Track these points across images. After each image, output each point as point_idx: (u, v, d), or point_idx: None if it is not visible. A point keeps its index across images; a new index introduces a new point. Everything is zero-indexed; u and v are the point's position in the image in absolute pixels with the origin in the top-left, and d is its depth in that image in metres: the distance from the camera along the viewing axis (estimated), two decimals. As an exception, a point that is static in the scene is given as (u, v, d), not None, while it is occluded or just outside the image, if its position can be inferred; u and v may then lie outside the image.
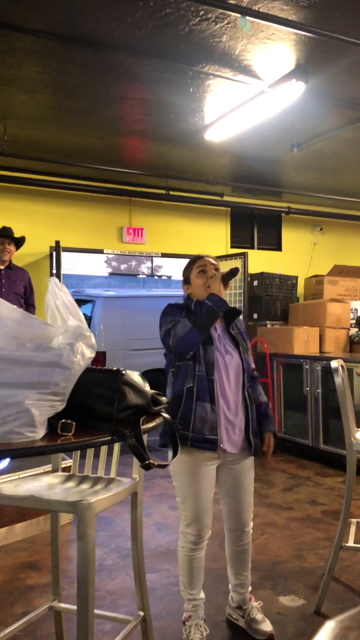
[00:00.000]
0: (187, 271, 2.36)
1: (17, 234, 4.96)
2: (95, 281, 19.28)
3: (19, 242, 4.97)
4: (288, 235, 7.58)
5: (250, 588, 2.46)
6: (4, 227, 4.88)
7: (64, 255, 6.04)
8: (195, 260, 2.34)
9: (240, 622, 2.41)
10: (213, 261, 2.32)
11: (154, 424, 1.46)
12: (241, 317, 2.40)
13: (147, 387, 1.56)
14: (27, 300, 5.04)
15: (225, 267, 2.31)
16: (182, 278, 2.42)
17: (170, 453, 2.15)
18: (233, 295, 6.57)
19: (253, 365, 2.40)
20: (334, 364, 2.51)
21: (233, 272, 2.24)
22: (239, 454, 2.25)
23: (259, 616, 2.36)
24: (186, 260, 2.44)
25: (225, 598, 2.64)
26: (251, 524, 2.39)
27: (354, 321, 6.27)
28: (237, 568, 2.41)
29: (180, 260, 7.23)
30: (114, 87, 3.90)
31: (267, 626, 2.32)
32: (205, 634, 2.25)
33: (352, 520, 2.75)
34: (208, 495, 2.22)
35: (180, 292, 10.51)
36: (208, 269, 2.28)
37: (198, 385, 2.16)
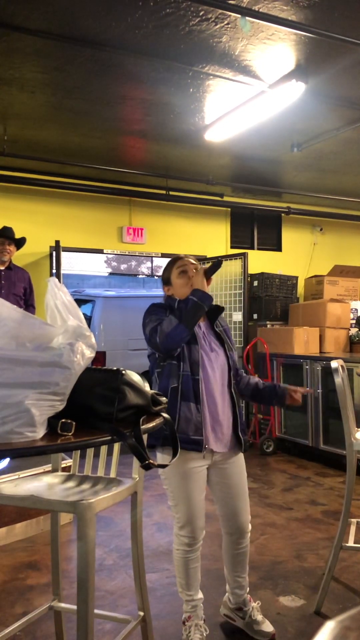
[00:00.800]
0: (167, 272, 2.33)
1: (17, 234, 4.96)
2: (95, 281, 19.27)
3: (20, 242, 4.97)
4: (288, 236, 7.58)
5: (248, 589, 2.44)
6: (4, 228, 4.88)
7: (64, 255, 6.04)
8: (175, 261, 2.32)
9: (239, 623, 2.40)
10: (193, 261, 2.31)
11: (154, 424, 1.46)
12: (223, 314, 2.39)
13: (147, 387, 1.56)
14: (27, 301, 5.03)
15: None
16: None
17: (158, 454, 2.19)
18: (233, 295, 6.57)
19: (237, 359, 2.39)
20: (334, 364, 2.51)
21: (216, 264, 2.23)
22: (227, 452, 2.24)
23: (259, 617, 2.36)
24: None
25: (225, 598, 2.64)
26: (249, 526, 2.34)
27: (354, 321, 6.27)
28: (236, 570, 2.37)
29: (180, 260, 7.22)
30: (114, 87, 3.90)
31: (268, 627, 2.33)
32: (205, 634, 2.25)
33: (352, 520, 2.75)
34: (199, 497, 2.20)
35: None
36: (189, 269, 2.27)
37: (183, 384, 2.14)
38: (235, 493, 2.27)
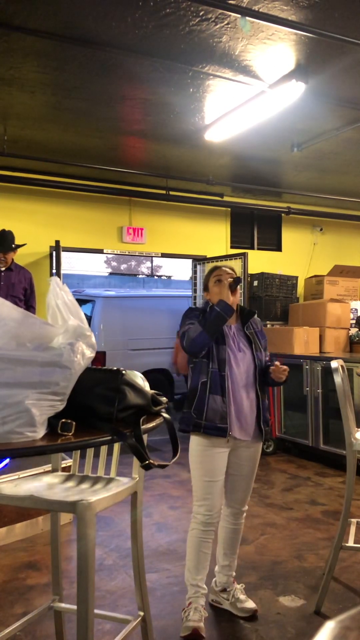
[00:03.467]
0: (206, 279, 2.61)
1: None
2: (95, 281, 19.26)
3: (17, 246, 4.96)
4: (288, 236, 7.59)
5: (234, 573, 2.61)
6: (3, 235, 4.85)
7: (64, 255, 6.04)
8: (213, 270, 2.59)
9: (225, 605, 2.55)
10: (229, 271, 2.56)
11: (154, 424, 1.46)
12: (256, 317, 2.63)
13: (147, 387, 1.56)
14: (26, 302, 5.02)
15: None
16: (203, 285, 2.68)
17: (192, 438, 2.45)
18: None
19: (267, 360, 2.58)
20: (334, 364, 2.52)
21: (236, 281, 2.49)
22: (250, 440, 2.46)
23: (242, 596, 2.54)
24: (186, 260, 2.58)
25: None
26: (246, 506, 2.58)
27: (354, 321, 6.27)
28: (228, 548, 2.58)
29: (180, 260, 7.24)
30: (114, 87, 3.90)
31: (250, 604, 2.50)
32: (203, 617, 2.32)
33: (352, 520, 2.75)
34: (218, 476, 2.41)
35: (180, 292, 10.50)
36: (223, 279, 2.50)
37: (211, 380, 2.40)
38: (244, 472, 2.50)
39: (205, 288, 2.63)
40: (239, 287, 2.53)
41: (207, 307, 2.51)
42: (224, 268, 2.58)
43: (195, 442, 2.45)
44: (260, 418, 2.47)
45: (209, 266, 6.73)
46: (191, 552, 2.43)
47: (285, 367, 2.48)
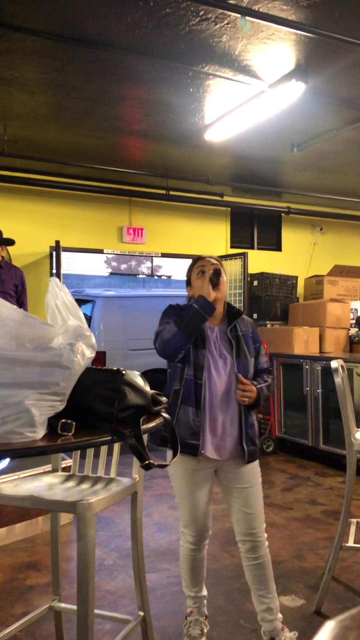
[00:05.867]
0: (188, 272, 2.31)
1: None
2: (95, 281, 19.26)
3: (7, 242, 4.96)
4: (288, 235, 7.59)
5: (281, 616, 2.22)
6: None
7: (64, 255, 6.04)
8: (196, 261, 2.28)
9: None
10: (214, 261, 2.24)
11: (154, 424, 1.46)
12: (246, 318, 2.28)
13: (147, 387, 1.56)
14: (18, 299, 5.03)
15: (227, 267, 2.25)
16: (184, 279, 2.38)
17: (169, 452, 2.14)
18: (233, 295, 6.57)
19: (264, 366, 2.26)
20: (334, 364, 2.51)
21: (215, 273, 2.16)
22: (233, 461, 2.15)
23: None
24: (186, 260, 2.45)
25: (226, 599, 2.64)
26: (264, 534, 2.19)
27: (354, 321, 6.27)
28: (258, 589, 2.18)
29: (180, 260, 7.23)
30: (114, 87, 3.90)
31: None
32: (205, 630, 2.26)
33: (352, 520, 2.75)
34: (202, 498, 2.18)
35: (180, 291, 10.50)
36: (207, 270, 2.19)
37: (184, 388, 2.10)
38: (244, 499, 2.16)
39: (188, 282, 2.30)
40: (222, 280, 2.17)
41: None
42: (208, 258, 2.24)
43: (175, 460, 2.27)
44: (242, 436, 2.13)
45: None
46: (184, 567, 2.28)
47: (248, 386, 2.10)
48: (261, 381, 2.20)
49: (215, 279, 2.13)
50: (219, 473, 2.21)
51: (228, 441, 2.13)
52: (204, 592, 2.33)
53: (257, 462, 2.22)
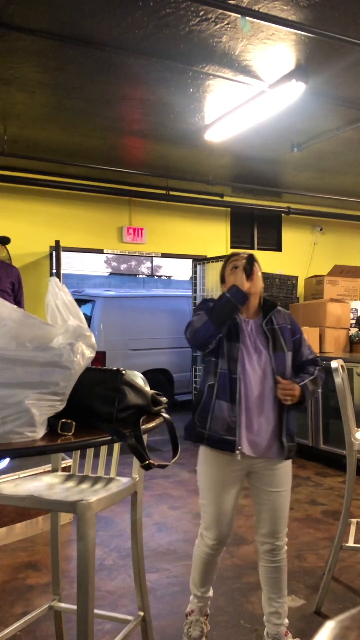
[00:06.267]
0: (222, 270, 2.25)
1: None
2: (95, 281, 19.26)
3: (2, 240, 4.97)
4: (288, 236, 7.59)
5: (287, 621, 2.19)
6: None
7: (64, 255, 6.04)
8: (229, 258, 2.23)
9: None
10: (247, 256, 2.17)
11: (154, 424, 1.46)
12: (282, 310, 2.23)
13: (147, 387, 1.56)
14: (15, 297, 5.05)
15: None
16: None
17: (201, 449, 2.14)
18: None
19: (308, 357, 2.20)
20: (334, 364, 2.51)
21: (249, 260, 2.10)
22: (268, 459, 2.08)
23: None
24: (186, 260, 2.44)
25: (226, 599, 2.64)
26: (285, 539, 2.16)
27: (354, 321, 6.27)
28: (272, 592, 2.16)
29: (180, 260, 7.24)
30: (114, 87, 3.90)
31: None
32: (205, 631, 2.26)
33: (352, 520, 2.75)
34: (230, 501, 2.10)
35: (180, 292, 10.47)
36: (240, 264, 2.13)
37: (219, 382, 2.06)
38: (267, 500, 2.11)
39: (222, 279, 2.25)
40: (256, 270, 2.11)
41: None
42: (242, 254, 2.18)
43: (202, 455, 2.14)
44: (281, 432, 2.07)
45: (210, 266, 6.74)
46: (197, 567, 2.23)
47: (289, 385, 2.04)
48: (304, 376, 2.12)
49: (249, 267, 2.08)
50: (251, 475, 2.13)
51: (263, 438, 2.06)
52: (210, 593, 2.30)
53: (291, 463, 2.17)
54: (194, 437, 2.12)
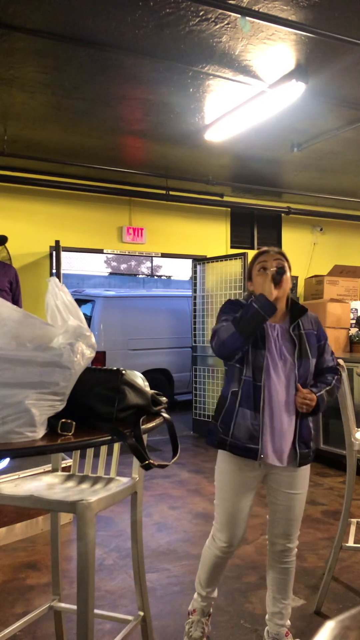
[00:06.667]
0: (250, 266, 2.18)
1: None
2: (95, 281, 19.26)
3: (0, 239, 4.97)
4: (288, 236, 7.59)
5: (289, 623, 2.21)
6: None
7: (64, 255, 6.04)
8: (257, 256, 2.14)
9: None
10: (277, 256, 2.11)
11: (154, 424, 1.46)
12: (310, 314, 2.16)
13: (147, 387, 1.56)
14: (13, 296, 5.05)
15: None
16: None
17: (220, 454, 2.14)
18: (233, 295, 6.56)
19: (329, 364, 2.17)
20: (334, 364, 2.51)
21: (279, 272, 2.01)
22: (286, 466, 2.08)
23: None
24: (186, 260, 2.42)
25: (226, 599, 2.64)
26: (296, 541, 2.17)
27: (354, 321, 6.27)
28: (277, 592, 2.17)
29: (180, 260, 7.24)
30: (114, 87, 3.90)
31: None
32: (206, 631, 2.26)
33: (352, 520, 2.75)
34: (245, 503, 2.09)
35: (180, 292, 10.47)
36: (269, 265, 2.07)
37: (243, 390, 2.03)
38: (282, 502, 2.12)
39: (249, 277, 2.17)
40: (286, 277, 2.03)
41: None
42: (271, 252, 2.10)
43: (222, 459, 2.13)
44: (295, 439, 2.06)
45: (210, 266, 6.74)
46: (204, 567, 2.22)
47: (309, 395, 2.01)
48: (322, 386, 2.10)
49: (279, 278, 2.00)
50: (268, 476, 2.13)
51: (285, 445, 2.05)
52: (215, 594, 2.29)
53: (309, 467, 2.17)
54: (216, 442, 2.10)
